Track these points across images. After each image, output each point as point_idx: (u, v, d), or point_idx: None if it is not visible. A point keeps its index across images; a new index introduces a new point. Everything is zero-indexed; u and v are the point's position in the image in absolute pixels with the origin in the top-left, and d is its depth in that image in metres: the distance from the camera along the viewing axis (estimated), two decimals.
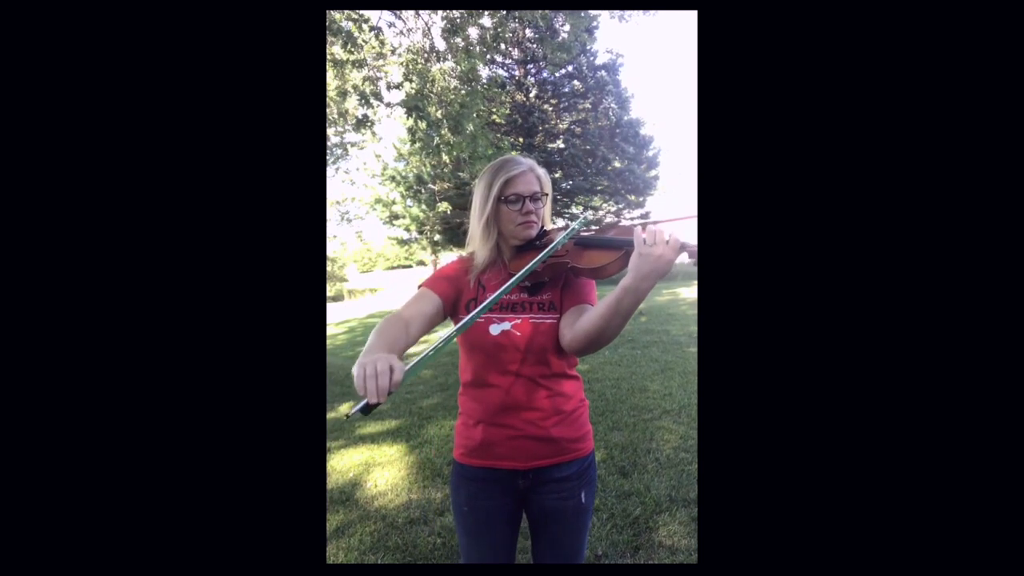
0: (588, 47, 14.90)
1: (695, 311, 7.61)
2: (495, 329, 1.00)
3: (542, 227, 1.05)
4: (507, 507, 1.05)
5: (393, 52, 6.21)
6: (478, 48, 5.93)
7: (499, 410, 1.00)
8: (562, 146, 16.27)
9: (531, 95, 16.35)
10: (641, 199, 17.30)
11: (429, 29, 6.07)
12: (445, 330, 0.88)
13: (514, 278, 0.91)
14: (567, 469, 1.03)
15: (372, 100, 5.83)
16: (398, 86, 5.92)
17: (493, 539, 1.06)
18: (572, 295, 1.02)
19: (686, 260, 0.88)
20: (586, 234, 1.02)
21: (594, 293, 1.05)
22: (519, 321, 1.00)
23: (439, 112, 6.02)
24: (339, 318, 11.84)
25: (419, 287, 1.04)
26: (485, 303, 0.85)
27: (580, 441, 1.05)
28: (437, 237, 16.37)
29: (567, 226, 1.03)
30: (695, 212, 0.73)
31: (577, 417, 1.05)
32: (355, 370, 0.71)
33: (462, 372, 1.06)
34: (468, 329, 0.99)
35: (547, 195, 1.05)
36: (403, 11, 5.80)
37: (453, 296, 1.04)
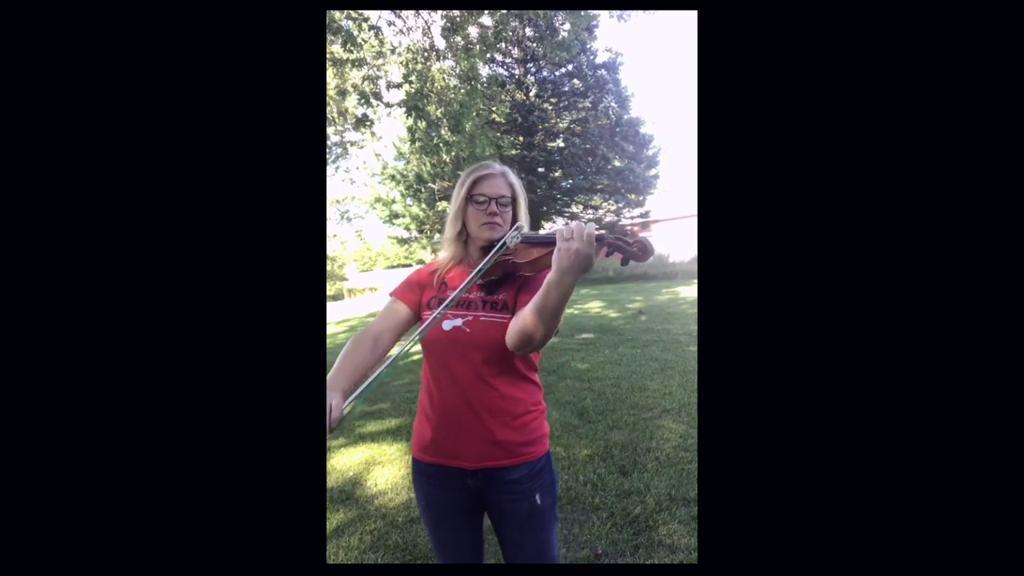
0: (588, 46, 14.87)
1: (695, 310, 7.61)
2: (447, 325, 1.02)
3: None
4: (462, 503, 1.06)
5: (393, 51, 6.20)
6: (478, 47, 5.91)
7: (447, 407, 1.02)
8: (562, 145, 16.23)
9: (531, 94, 16.32)
10: (641, 198, 17.27)
11: (429, 28, 6.06)
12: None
13: (465, 281, 0.99)
14: (516, 472, 1.02)
15: (372, 100, 5.82)
16: (398, 86, 5.91)
17: (453, 533, 1.09)
18: (526, 296, 1.00)
19: (606, 257, 0.90)
20: (531, 232, 1.04)
21: None
22: (470, 318, 1.02)
23: (439, 111, 6.01)
24: (339, 317, 11.84)
25: (389, 295, 1.11)
26: (444, 305, 0.98)
27: (531, 445, 1.04)
28: (437, 236, 16.36)
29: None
30: (695, 211, 0.74)
31: (528, 422, 1.04)
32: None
33: (423, 369, 1.09)
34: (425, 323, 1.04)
35: (516, 201, 1.08)
36: (403, 10, 5.79)
37: (419, 301, 1.10)
